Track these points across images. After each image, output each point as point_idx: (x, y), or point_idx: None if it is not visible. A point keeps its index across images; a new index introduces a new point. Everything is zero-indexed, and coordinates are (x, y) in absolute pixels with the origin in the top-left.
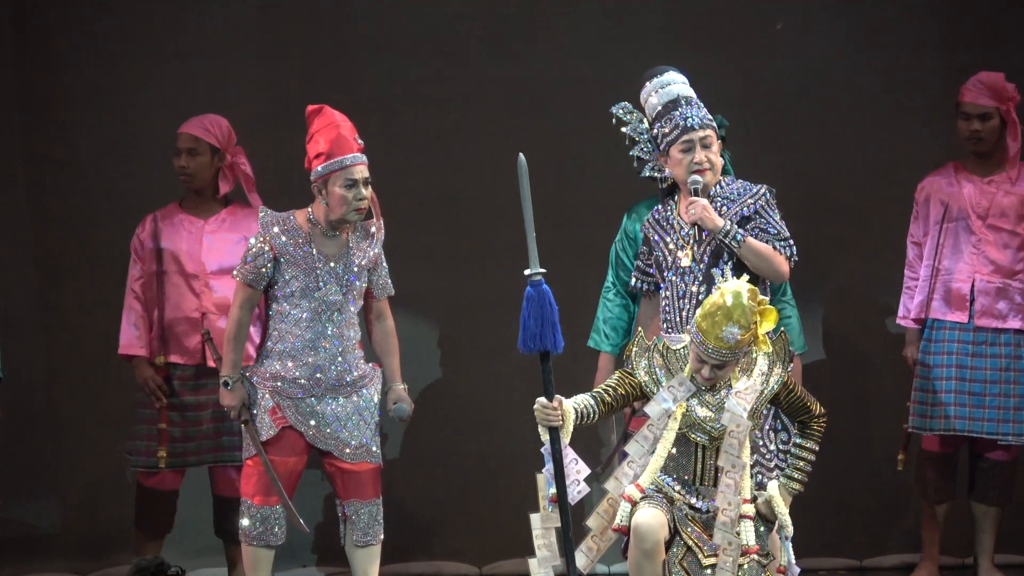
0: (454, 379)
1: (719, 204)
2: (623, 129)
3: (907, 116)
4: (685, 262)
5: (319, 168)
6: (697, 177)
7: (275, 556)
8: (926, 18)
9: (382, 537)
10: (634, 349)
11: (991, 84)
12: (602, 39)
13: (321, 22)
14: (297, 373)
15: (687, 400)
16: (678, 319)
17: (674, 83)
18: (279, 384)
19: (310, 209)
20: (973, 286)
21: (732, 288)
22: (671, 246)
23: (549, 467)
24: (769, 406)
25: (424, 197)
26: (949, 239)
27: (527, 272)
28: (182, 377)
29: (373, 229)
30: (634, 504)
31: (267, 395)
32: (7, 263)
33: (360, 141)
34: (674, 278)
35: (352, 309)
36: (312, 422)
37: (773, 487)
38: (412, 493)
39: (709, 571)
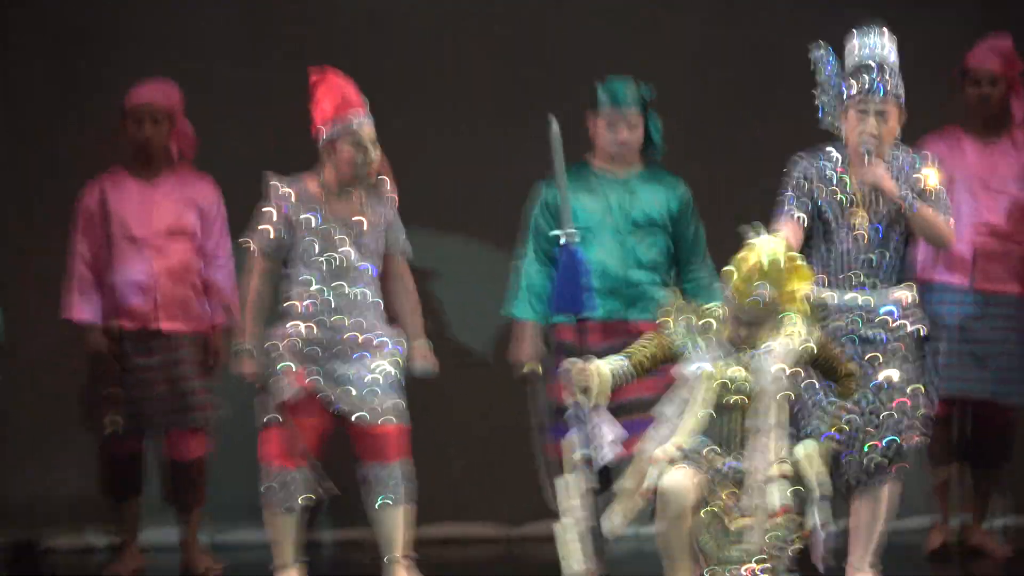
0: (482, 347)
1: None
2: (817, 76)
3: None
4: (859, 222)
5: (327, 131)
6: (870, 140)
7: (298, 520)
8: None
9: (410, 499)
10: (672, 309)
11: (1001, 49)
12: (586, 34)
13: (308, 15)
14: (317, 334)
15: (721, 361)
16: (839, 276)
17: (879, 47)
18: (299, 346)
19: (319, 173)
20: (974, 249)
21: (767, 246)
22: (839, 199)
23: (576, 430)
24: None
25: (411, 188)
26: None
27: (556, 232)
28: (131, 340)
29: (385, 189)
30: (665, 466)
31: (286, 358)
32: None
33: (366, 102)
34: (844, 234)
35: (369, 269)
36: (333, 383)
37: (803, 448)
38: (438, 455)
39: (736, 536)
